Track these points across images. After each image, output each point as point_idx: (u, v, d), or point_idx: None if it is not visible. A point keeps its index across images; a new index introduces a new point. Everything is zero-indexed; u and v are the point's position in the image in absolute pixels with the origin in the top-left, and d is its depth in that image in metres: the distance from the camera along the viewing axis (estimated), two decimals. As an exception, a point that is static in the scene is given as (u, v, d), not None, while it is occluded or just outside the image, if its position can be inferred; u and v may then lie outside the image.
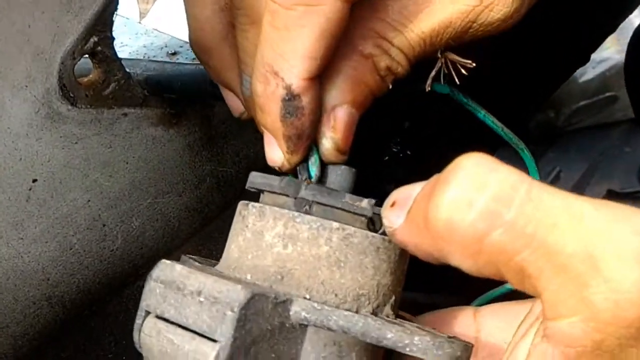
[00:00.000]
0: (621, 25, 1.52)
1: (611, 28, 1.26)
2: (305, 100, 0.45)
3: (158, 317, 0.41)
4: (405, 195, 0.41)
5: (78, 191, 0.62)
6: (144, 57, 0.76)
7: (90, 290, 0.69)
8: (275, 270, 0.43)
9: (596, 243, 0.33)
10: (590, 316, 0.33)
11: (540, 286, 0.34)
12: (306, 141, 0.47)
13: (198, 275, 0.40)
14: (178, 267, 0.41)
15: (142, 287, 0.76)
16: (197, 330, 0.39)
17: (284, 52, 0.44)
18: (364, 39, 0.47)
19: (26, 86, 0.52)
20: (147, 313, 0.42)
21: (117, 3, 0.56)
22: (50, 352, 0.69)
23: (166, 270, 0.42)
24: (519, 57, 1.15)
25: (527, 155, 0.58)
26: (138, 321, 0.43)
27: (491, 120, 0.55)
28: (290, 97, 0.45)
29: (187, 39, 0.80)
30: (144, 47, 0.79)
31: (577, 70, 2.00)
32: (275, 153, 0.48)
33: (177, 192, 0.74)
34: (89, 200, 0.63)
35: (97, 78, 0.58)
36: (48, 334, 0.67)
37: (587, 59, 1.18)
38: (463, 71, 0.50)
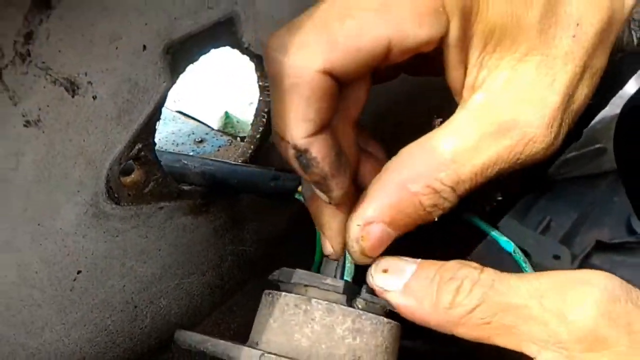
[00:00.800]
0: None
1: (604, 104, 1.32)
2: (315, 151, 0.50)
3: None
4: (398, 267, 0.53)
5: (116, 278, 0.67)
6: (172, 143, 0.81)
7: (120, 365, 0.74)
8: (349, 358, 0.52)
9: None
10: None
11: None
12: (336, 178, 0.52)
13: None
14: None
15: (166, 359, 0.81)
16: None
17: (283, 118, 0.50)
18: (414, 181, 0.52)
19: (78, 191, 0.58)
20: None
21: (160, 113, 0.62)
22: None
23: None
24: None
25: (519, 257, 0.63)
26: None
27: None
28: (300, 154, 0.51)
29: (212, 125, 0.86)
30: (173, 134, 0.85)
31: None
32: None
33: (201, 271, 0.79)
34: (124, 286, 0.68)
35: (138, 179, 0.63)
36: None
37: (580, 136, 1.23)
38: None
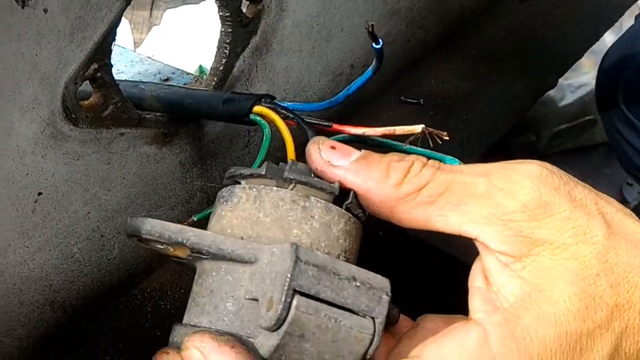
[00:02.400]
0: (598, 50, 1.59)
1: (580, 54, 1.33)
2: None
3: (311, 296, 0.45)
4: (344, 148, 0.53)
5: (79, 204, 0.67)
6: (139, 82, 0.82)
7: (89, 297, 0.75)
8: (342, 259, 0.52)
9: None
10: None
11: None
12: None
13: (343, 263, 0.48)
14: (320, 255, 0.47)
15: (137, 295, 0.82)
16: (356, 309, 0.46)
17: None
18: None
19: (33, 108, 0.58)
20: (296, 292, 0.45)
21: (115, 34, 0.62)
22: (52, 356, 0.75)
23: (311, 255, 0.46)
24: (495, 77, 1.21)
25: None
26: (287, 299, 0.45)
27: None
28: None
29: (177, 67, 0.87)
30: (139, 73, 0.85)
31: (557, 95, 2.06)
32: None
33: (169, 206, 0.79)
34: (89, 213, 0.69)
35: (96, 101, 0.64)
36: (50, 337, 0.73)
37: (555, 84, 1.24)
38: (439, 140, 0.55)
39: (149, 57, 0.90)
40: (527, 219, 0.46)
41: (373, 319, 0.47)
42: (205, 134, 0.79)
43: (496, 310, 0.47)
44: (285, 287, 0.44)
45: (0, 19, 0.52)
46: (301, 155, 0.55)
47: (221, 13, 0.74)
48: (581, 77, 2.07)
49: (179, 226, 0.50)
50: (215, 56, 0.77)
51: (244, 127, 0.81)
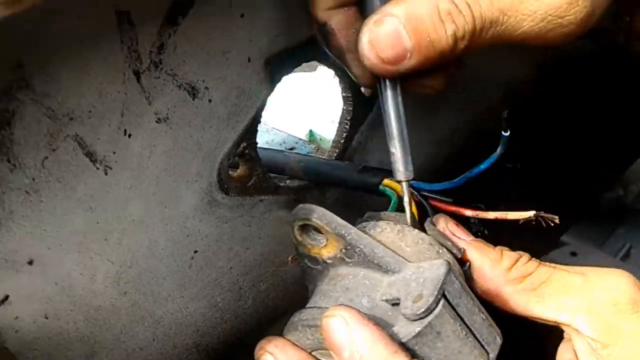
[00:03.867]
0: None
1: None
2: (333, 24, 0.58)
3: (451, 305, 0.52)
4: (464, 230, 0.62)
5: (224, 260, 0.78)
6: (268, 152, 0.93)
7: (226, 342, 0.85)
8: None
9: None
10: None
11: None
12: (353, 53, 0.58)
13: (475, 301, 0.55)
14: (460, 279, 0.54)
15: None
16: (478, 336, 0.54)
17: None
18: None
19: (196, 181, 0.70)
20: (444, 297, 0.52)
21: (261, 116, 0.74)
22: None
23: (456, 275, 0.54)
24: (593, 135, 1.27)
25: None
26: (438, 295, 0.51)
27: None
28: (322, 26, 0.59)
29: (300, 136, 0.98)
30: (267, 142, 0.97)
31: (646, 151, 2.08)
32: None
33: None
34: (231, 268, 0.80)
35: (243, 173, 0.75)
36: (193, 377, 0.84)
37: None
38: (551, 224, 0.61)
39: (274, 128, 1.02)
40: (618, 312, 0.54)
41: (487, 353, 0.54)
42: (326, 199, 0.89)
43: None
44: (438, 286, 0.51)
45: (177, 109, 0.64)
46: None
47: (344, 94, 0.84)
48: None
49: (344, 222, 0.58)
50: (337, 130, 0.87)
51: (357, 196, 0.91)
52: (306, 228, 0.60)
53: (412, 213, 0.62)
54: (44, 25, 0.50)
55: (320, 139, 1.12)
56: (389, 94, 0.59)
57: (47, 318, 0.64)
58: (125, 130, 0.61)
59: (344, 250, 0.58)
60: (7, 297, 0.60)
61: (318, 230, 0.59)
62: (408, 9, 0.53)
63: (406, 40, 0.53)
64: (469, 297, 0.54)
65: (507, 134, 0.61)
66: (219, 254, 0.77)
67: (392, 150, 0.61)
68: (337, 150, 0.87)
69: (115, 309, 0.69)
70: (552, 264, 0.59)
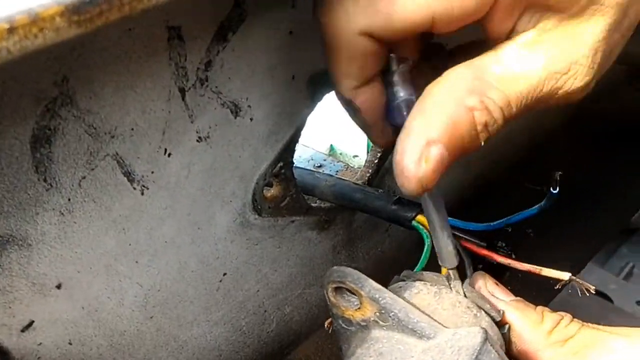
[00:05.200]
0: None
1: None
2: (358, 102, 0.57)
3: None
4: (504, 289, 0.60)
5: (252, 283, 0.75)
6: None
7: (248, 366, 0.82)
8: None
9: None
10: None
11: None
12: (376, 126, 0.59)
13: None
14: (497, 348, 0.53)
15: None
16: None
17: (333, 74, 0.57)
18: (470, 94, 0.52)
19: (231, 201, 0.66)
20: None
21: (300, 135, 0.70)
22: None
23: (492, 344, 0.52)
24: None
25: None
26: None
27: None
28: (347, 103, 0.58)
29: (327, 153, 0.94)
30: (294, 159, 0.93)
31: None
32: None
33: (320, 284, 0.86)
34: (258, 290, 0.76)
35: (277, 193, 0.72)
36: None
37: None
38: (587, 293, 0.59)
39: (302, 144, 0.98)
40: None
41: None
42: (355, 220, 0.86)
43: None
44: (474, 357, 0.50)
45: (219, 127, 0.61)
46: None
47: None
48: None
49: (379, 285, 0.55)
50: (371, 150, 0.84)
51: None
52: (340, 290, 0.58)
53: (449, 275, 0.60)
54: (90, 38, 0.47)
55: (341, 154, 1.09)
56: (428, 201, 0.59)
57: (70, 344, 0.60)
58: (165, 150, 0.57)
59: (378, 313, 0.56)
60: (32, 323, 0.56)
61: (352, 292, 0.57)
62: (449, 132, 0.51)
63: (446, 158, 0.52)
64: None
65: (556, 191, 0.59)
66: (247, 276, 0.74)
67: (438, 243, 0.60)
68: (369, 171, 0.84)
69: (140, 334, 0.66)
70: (595, 326, 0.57)
